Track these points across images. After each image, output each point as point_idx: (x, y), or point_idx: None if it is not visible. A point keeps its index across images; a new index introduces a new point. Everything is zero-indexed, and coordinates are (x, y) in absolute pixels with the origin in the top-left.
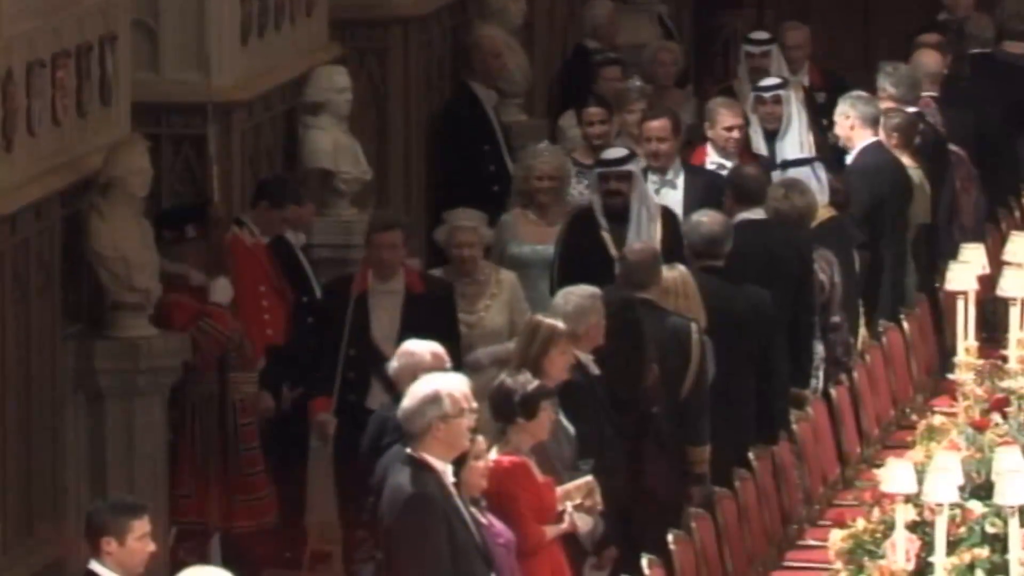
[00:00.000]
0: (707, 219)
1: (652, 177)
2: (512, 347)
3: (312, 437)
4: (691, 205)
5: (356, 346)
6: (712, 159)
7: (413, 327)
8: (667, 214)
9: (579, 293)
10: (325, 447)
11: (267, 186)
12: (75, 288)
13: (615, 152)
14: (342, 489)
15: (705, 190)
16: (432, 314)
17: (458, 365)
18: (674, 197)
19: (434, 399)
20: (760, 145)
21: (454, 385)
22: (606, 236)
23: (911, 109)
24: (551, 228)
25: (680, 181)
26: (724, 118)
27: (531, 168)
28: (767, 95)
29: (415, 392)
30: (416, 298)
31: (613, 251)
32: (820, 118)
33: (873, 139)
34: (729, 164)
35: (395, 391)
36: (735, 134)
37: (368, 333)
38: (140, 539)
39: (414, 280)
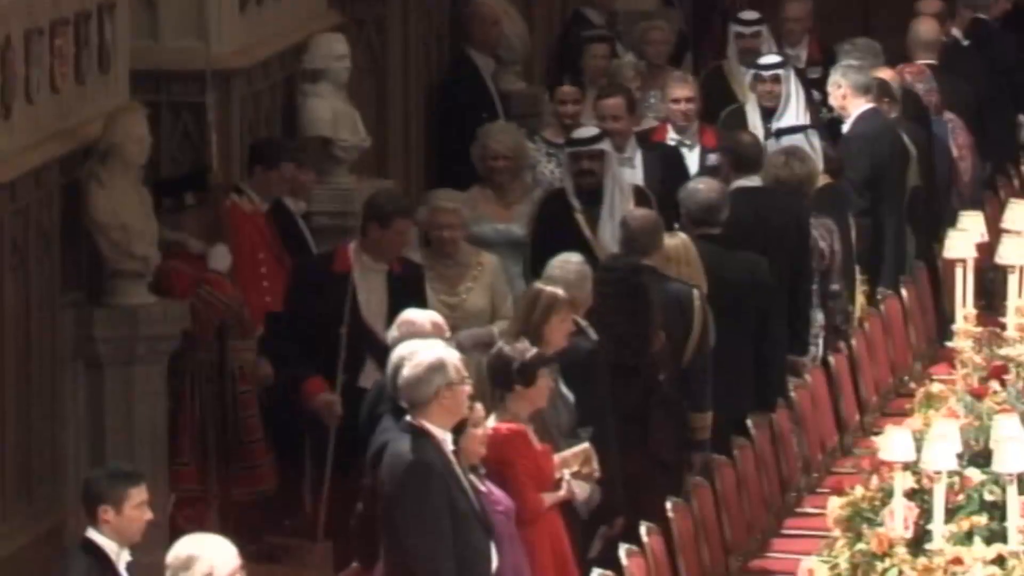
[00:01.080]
0: (704, 186)
1: None
2: (494, 329)
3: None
4: (652, 182)
5: (347, 324)
6: (671, 135)
7: (399, 306)
8: (640, 193)
9: (575, 260)
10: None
11: (258, 149)
12: (74, 256)
13: (586, 131)
14: (337, 470)
15: (664, 165)
16: (409, 294)
17: None
18: (633, 176)
19: (440, 367)
20: (756, 123)
21: (450, 352)
22: (579, 217)
23: (890, 73)
24: (511, 207)
25: (638, 159)
26: (672, 90)
27: (486, 148)
28: (766, 74)
29: (416, 360)
30: (396, 278)
31: (587, 232)
32: (812, 92)
33: (868, 106)
34: (686, 140)
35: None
36: (682, 106)
37: (358, 312)
38: (137, 507)
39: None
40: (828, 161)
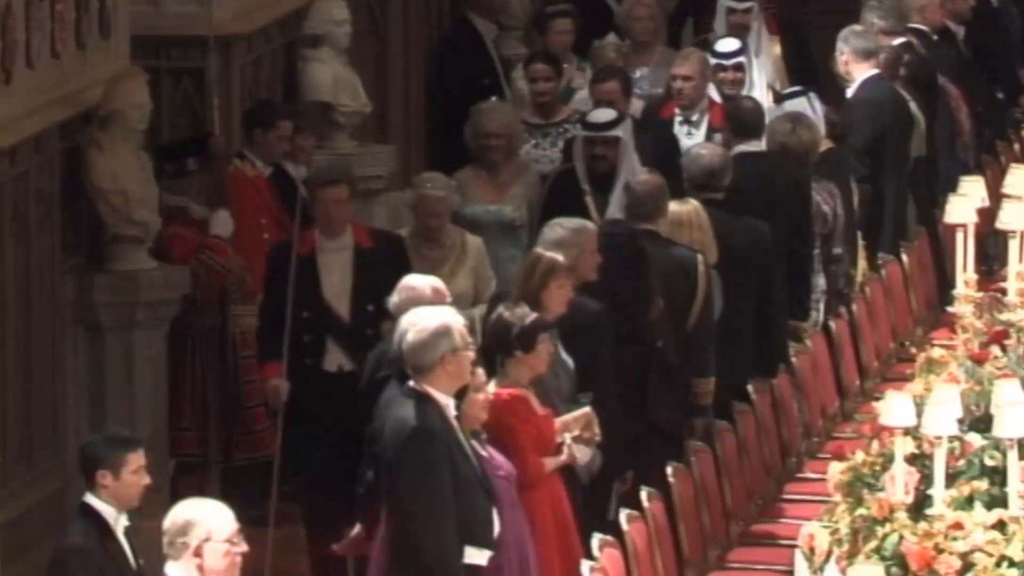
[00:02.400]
0: (706, 151)
1: None
2: (475, 313)
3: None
4: (646, 161)
5: (308, 308)
6: (677, 113)
7: (365, 284)
8: None
9: (571, 225)
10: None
11: (254, 112)
12: (74, 221)
13: (602, 115)
14: (302, 461)
15: (655, 142)
16: (384, 268)
17: None
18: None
19: (445, 332)
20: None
21: (456, 317)
22: (589, 202)
23: (899, 40)
24: (503, 188)
25: (630, 137)
26: (673, 67)
27: (479, 126)
28: (728, 63)
29: (422, 325)
30: (365, 253)
31: (595, 216)
32: None
33: (872, 72)
34: (692, 116)
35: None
36: (678, 84)
37: (319, 293)
38: (135, 472)
39: (362, 235)
40: (831, 126)
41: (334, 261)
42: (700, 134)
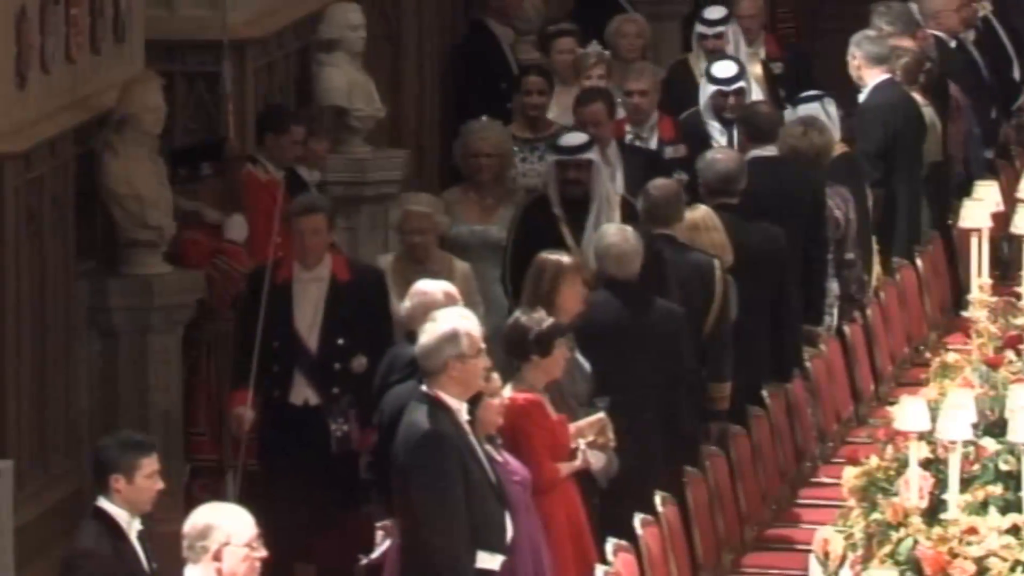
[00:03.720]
0: (722, 156)
1: None
2: None
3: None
4: (633, 188)
5: (279, 338)
6: (628, 128)
7: (337, 317)
8: (626, 204)
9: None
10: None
11: (266, 117)
12: (89, 225)
13: (573, 139)
14: (273, 491)
15: (645, 170)
16: (359, 303)
17: (387, 348)
18: (615, 181)
19: (452, 337)
20: (715, 134)
21: (471, 325)
22: (564, 228)
23: (908, 43)
24: (492, 209)
25: (618, 164)
26: (627, 82)
27: (469, 146)
28: (728, 88)
29: (433, 329)
30: (342, 286)
31: (570, 241)
32: (778, 89)
33: (885, 76)
34: (642, 133)
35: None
36: (635, 99)
37: (291, 324)
38: (149, 477)
39: (341, 267)
40: (847, 132)
41: (309, 291)
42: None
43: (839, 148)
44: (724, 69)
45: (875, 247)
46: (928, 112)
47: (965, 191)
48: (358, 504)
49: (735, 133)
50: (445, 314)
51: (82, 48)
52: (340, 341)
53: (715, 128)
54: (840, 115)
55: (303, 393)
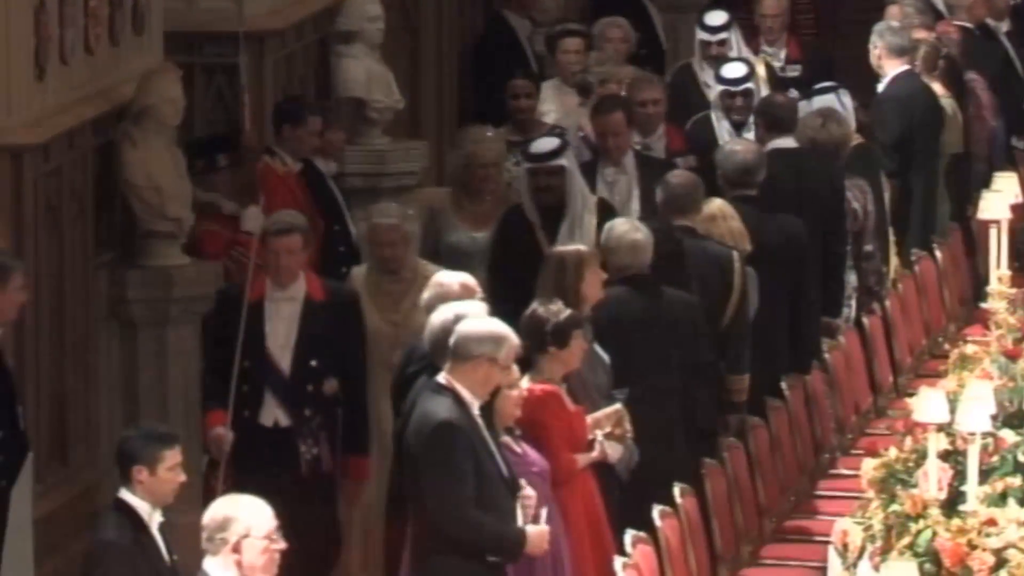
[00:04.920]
0: (740, 148)
1: (607, 170)
2: None
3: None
4: (650, 198)
5: (250, 357)
6: (636, 139)
7: (310, 338)
8: (603, 206)
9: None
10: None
11: (282, 109)
12: (107, 217)
13: (544, 145)
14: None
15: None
16: (333, 324)
17: (362, 372)
18: (631, 191)
19: (498, 339)
20: (725, 135)
21: (516, 339)
22: (538, 234)
23: (925, 34)
24: (489, 214)
25: (635, 174)
26: (640, 92)
27: (473, 155)
28: (736, 89)
29: (484, 322)
30: (316, 307)
31: (546, 249)
32: (785, 90)
33: (904, 67)
34: (651, 143)
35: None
36: (649, 109)
37: (263, 344)
38: (171, 469)
39: (316, 288)
40: (861, 124)
41: (282, 311)
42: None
43: (856, 139)
44: (733, 70)
45: (892, 239)
46: (948, 103)
47: (985, 183)
48: (327, 527)
49: (743, 136)
50: (493, 319)
51: (101, 40)
52: (313, 362)
53: (724, 130)
54: (855, 106)
55: (273, 414)
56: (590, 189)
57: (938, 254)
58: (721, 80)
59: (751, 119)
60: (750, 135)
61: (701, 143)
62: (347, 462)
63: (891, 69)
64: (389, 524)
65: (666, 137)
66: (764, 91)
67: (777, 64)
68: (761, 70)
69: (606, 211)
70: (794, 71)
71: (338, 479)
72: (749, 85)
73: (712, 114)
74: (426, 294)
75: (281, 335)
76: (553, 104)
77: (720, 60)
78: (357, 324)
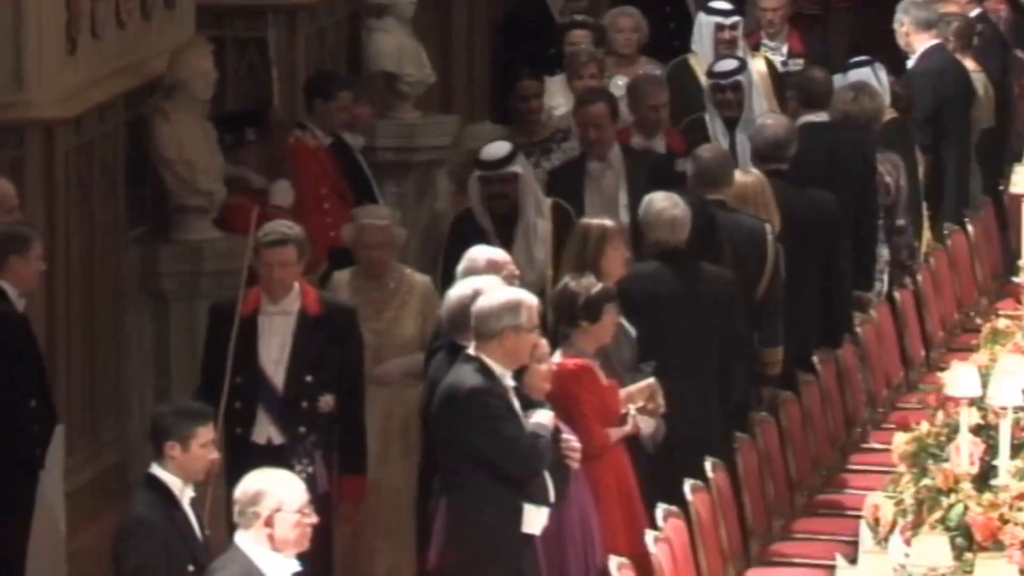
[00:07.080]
0: (772, 122)
1: (591, 164)
2: (422, 358)
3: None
4: (635, 191)
5: (242, 373)
6: (635, 139)
7: (304, 353)
8: (557, 209)
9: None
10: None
11: (314, 82)
12: (139, 191)
13: (495, 151)
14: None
15: (650, 175)
16: (329, 339)
17: (359, 389)
18: (618, 186)
19: (514, 307)
20: (719, 134)
21: (533, 299)
22: (493, 241)
23: (976, 11)
24: None
25: (621, 169)
26: (651, 96)
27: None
28: (725, 82)
29: (496, 294)
30: (311, 321)
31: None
32: (785, 90)
33: (934, 42)
34: (652, 145)
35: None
36: (661, 114)
37: (255, 359)
38: (204, 446)
39: (311, 301)
40: (896, 98)
41: (276, 325)
42: None
43: (889, 113)
44: (722, 63)
45: (925, 212)
46: (980, 79)
47: (1018, 157)
48: (322, 547)
49: (737, 137)
50: (508, 285)
51: (132, 13)
52: (308, 378)
53: (719, 129)
54: (891, 80)
55: (266, 431)
56: (577, 185)
57: (970, 228)
58: (711, 73)
59: (745, 115)
60: (749, 129)
61: (695, 144)
62: (343, 482)
63: (920, 44)
64: (420, 497)
65: (666, 137)
66: (761, 89)
67: (779, 59)
68: (762, 66)
69: (562, 215)
70: (796, 65)
71: (334, 498)
72: (739, 78)
73: (705, 116)
74: (460, 266)
75: (275, 351)
76: (563, 98)
77: (733, 46)
78: (354, 339)
